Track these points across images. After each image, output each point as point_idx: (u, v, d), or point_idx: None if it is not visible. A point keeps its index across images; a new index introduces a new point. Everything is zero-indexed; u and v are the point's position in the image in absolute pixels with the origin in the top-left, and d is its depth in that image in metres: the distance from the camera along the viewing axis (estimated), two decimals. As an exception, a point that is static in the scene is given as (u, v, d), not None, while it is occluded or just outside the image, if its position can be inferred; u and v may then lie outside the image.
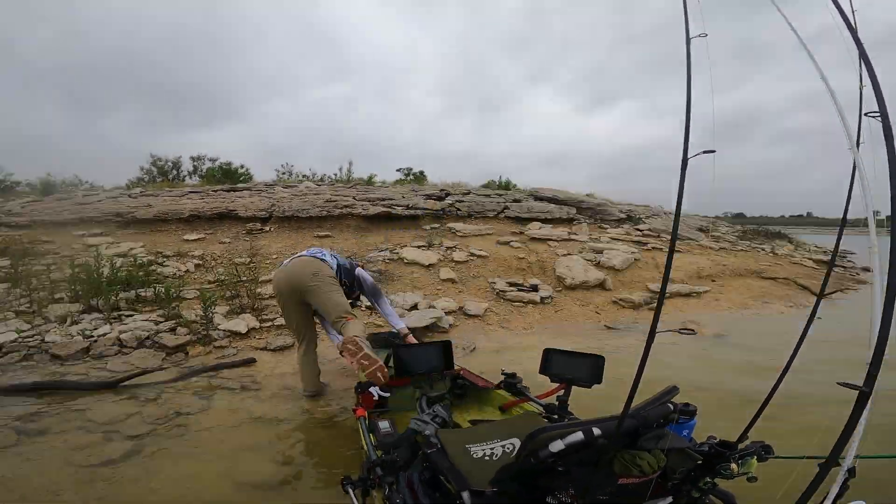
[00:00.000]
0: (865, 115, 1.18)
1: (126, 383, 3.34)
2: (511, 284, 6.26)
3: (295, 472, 2.36)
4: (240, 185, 11.44)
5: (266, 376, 3.59)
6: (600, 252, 7.65)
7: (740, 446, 1.37)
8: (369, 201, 9.41)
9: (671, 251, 1.21)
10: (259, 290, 5.45)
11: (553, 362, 2.22)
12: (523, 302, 5.83)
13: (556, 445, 1.16)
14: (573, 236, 8.87)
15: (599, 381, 2.06)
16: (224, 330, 4.34)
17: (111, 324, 4.45)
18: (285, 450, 2.57)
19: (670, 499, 1.33)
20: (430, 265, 6.78)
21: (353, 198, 9.59)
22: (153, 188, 11.78)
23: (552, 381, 2.20)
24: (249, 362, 3.83)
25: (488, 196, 10.44)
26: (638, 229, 10.36)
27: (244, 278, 5.35)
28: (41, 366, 3.72)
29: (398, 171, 15.37)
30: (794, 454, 1.41)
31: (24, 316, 4.63)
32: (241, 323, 4.45)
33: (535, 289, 6.18)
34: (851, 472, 1.11)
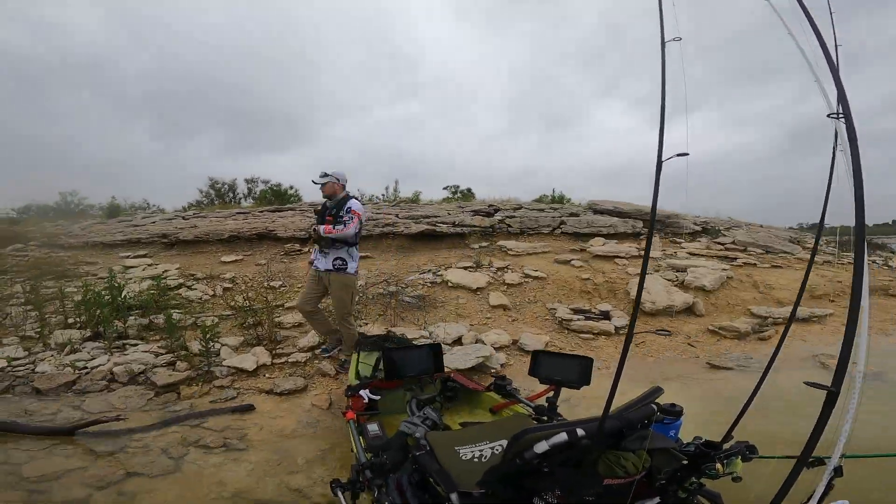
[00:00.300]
0: (828, 116, 1.19)
1: (86, 430, 2.69)
2: (576, 311, 5.17)
3: None
4: (285, 206, 11.19)
5: (260, 430, 2.78)
6: (683, 270, 6.36)
7: (725, 446, 1.40)
8: (412, 219, 8.71)
9: (646, 258, 1.27)
10: (281, 318, 4.78)
11: (542, 364, 2.19)
12: (593, 333, 4.72)
13: (541, 446, 1.16)
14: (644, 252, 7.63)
15: (588, 383, 2.04)
16: (228, 366, 3.63)
17: (111, 354, 3.90)
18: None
19: (657, 499, 1.30)
20: (478, 289, 5.85)
21: (396, 216, 8.94)
22: (208, 210, 11.85)
23: (541, 382, 2.17)
24: (245, 410, 3.06)
25: (542, 210, 9.41)
26: (718, 243, 8.93)
27: (258, 305, 4.67)
28: (17, 399, 3.18)
29: (445, 188, 14.66)
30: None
31: (29, 341, 4.21)
32: (250, 359, 3.73)
33: (606, 316, 5.06)
34: (838, 471, 1.13)
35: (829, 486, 1.14)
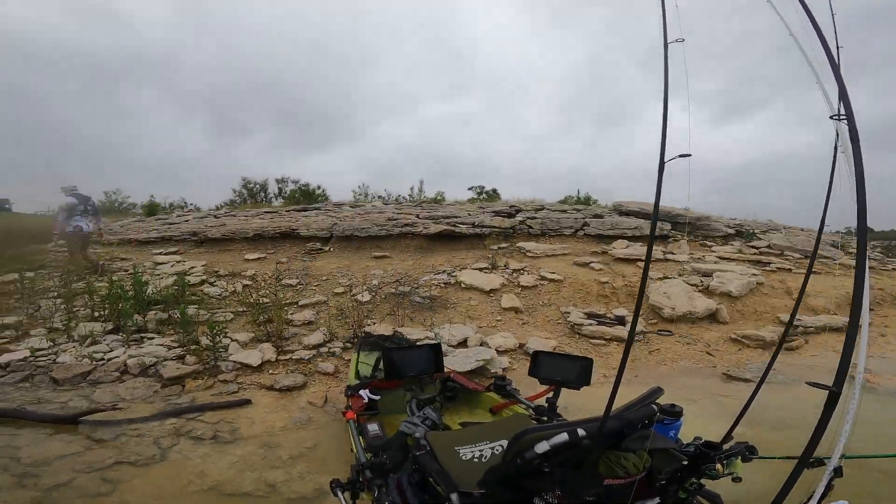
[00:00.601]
0: (831, 117, 1.19)
1: (88, 419, 2.81)
2: (590, 315, 5.01)
3: None
4: (311, 206, 11.42)
5: (252, 425, 2.83)
6: (709, 275, 6.06)
7: (725, 447, 1.40)
8: (432, 219, 8.70)
9: (647, 262, 1.26)
10: (294, 315, 4.85)
11: (542, 365, 2.17)
12: (605, 339, 4.55)
13: (542, 446, 1.16)
14: (670, 256, 7.32)
15: (588, 383, 2.04)
16: (234, 361, 3.71)
17: (128, 346, 4.06)
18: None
19: (657, 499, 1.31)
20: (491, 291, 5.76)
21: (416, 216, 8.96)
22: (240, 209, 12.24)
23: (541, 383, 2.16)
24: (242, 404, 3.11)
25: (564, 212, 9.20)
26: (753, 246, 8.47)
27: (265, 300, 4.76)
28: (34, 388, 3.35)
29: (470, 189, 14.62)
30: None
31: (55, 333, 4.44)
32: (256, 355, 3.80)
33: (621, 321, 4.87)
34: (838, 471, 1.14)
35: (828, 487, 1.15)
